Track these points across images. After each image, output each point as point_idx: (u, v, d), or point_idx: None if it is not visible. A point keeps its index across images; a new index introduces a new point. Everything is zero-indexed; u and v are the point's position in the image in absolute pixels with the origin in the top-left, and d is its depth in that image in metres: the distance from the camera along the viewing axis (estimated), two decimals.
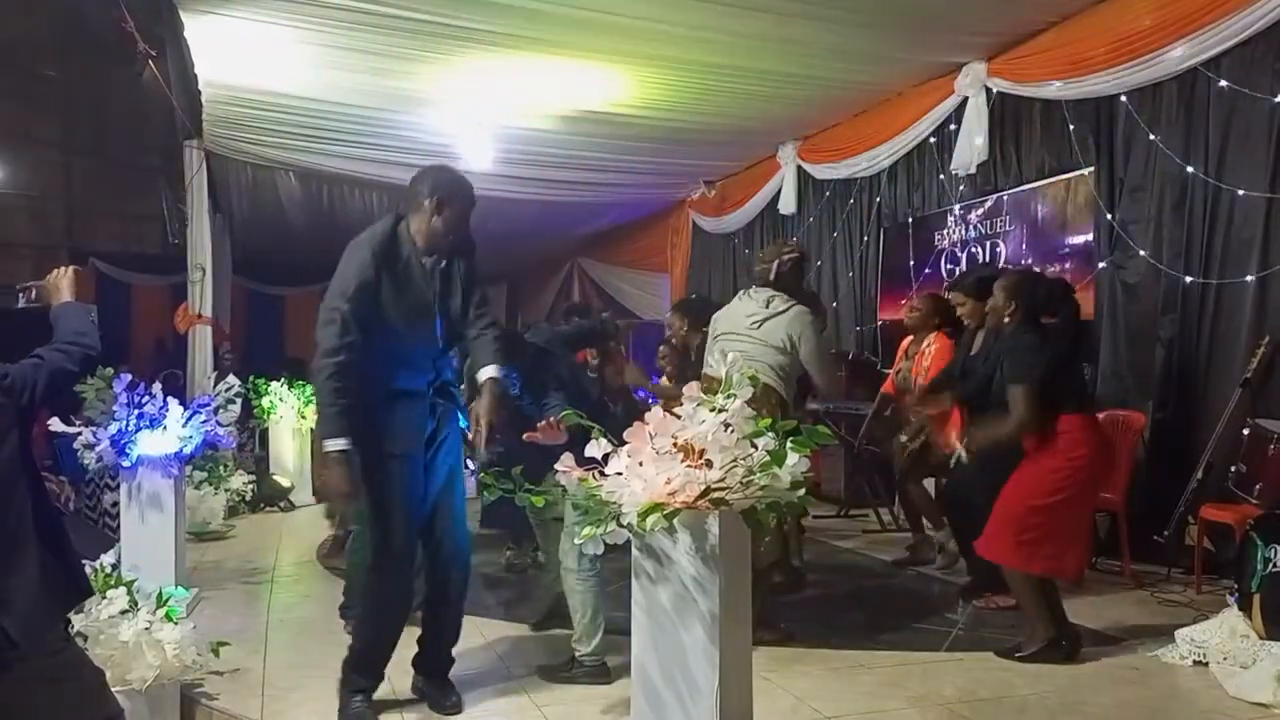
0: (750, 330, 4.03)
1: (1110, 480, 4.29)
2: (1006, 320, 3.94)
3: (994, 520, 3.77)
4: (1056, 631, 3.70)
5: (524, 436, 3.36)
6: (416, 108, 7.26)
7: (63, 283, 2.56)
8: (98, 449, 4.39)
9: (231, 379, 8.90)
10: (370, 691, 3.21)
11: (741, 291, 4.28)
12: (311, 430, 8.04)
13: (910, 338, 5.57)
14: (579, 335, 5.11)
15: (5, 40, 12.42)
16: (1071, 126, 5.76)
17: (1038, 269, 5.93)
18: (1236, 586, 3.71)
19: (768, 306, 4.05)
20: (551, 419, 3.25)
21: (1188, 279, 5.03)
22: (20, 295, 2.56)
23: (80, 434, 4.43)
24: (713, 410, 2.19)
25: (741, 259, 9.66)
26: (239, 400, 8.25)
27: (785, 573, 4.73)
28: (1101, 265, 5.59)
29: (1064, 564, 3.74)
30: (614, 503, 2.19)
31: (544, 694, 3.40)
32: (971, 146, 6.33)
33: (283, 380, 8.32)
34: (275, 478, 7.97)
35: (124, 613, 3.02)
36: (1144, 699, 3.32)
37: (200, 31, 5.95)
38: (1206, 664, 3.51)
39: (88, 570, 2.84)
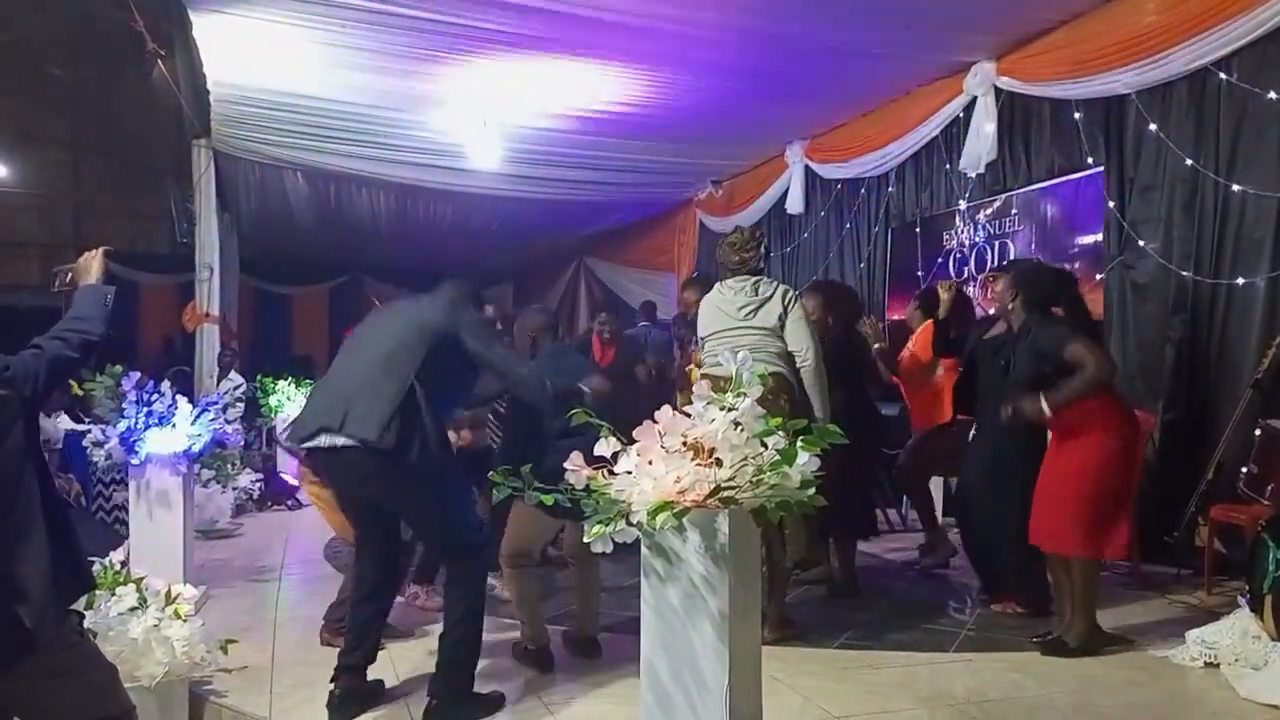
0: (746, 321, 3.96)
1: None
2: (1010, 309, 3.97)
3: (1051, 514, 3.75)
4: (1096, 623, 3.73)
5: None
6: (424, 107, 7.27)
7: (93, 265, 2.63)
8: (107, 446, 4.41)
9: (236, 377, 9.01)
10: None
11: (719, 284, 4.17)
12: None
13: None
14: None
15: (14, 39, 12.46)
16: (1081, 126, 5.74)
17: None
18: (1248, 588, 3.69)
19: (757, 293, 3.99)
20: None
21: (1198, 279, 5.01)
22: (57, 278, 2.68)
23: (89, 431, 4.44)
24: (722, 409, 2.18)
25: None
26: (244, 400, 8.34)
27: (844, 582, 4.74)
28: (1111, 265, 5.57)
29: (1117, 545, 3.80)
30: (623, 501, 2.19)
31: (554, 695, 3.38)
32: (980, 146, 6.30)
33: (289, 379, 8.34)
34: (283, 475, 7.98)
35: (133, 610, 3.03)
36: (1154, 700, 3.30)
37: (209, 31, 5.97)
38: (1218, 665, 3.49)
39: (96, 567, 2.85)
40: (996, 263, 6.55)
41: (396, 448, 3.02)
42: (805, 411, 3.77)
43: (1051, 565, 4.03)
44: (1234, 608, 3.70)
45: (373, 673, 3.37)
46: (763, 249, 4.17)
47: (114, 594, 3.07)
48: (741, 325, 3.97)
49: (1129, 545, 3.93)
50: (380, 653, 3.49)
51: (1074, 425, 3.73)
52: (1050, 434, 3.88)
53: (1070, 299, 3.94)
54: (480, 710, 3.21)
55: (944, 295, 5.19)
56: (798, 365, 3.97)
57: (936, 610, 4.50)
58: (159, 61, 7.31)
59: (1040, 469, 3.86)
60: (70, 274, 2.64)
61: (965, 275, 6.83)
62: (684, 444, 2.17)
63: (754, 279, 4.05)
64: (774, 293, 3.99)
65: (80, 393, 4.63)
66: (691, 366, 5.74)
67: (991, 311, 4.92)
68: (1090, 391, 3.65)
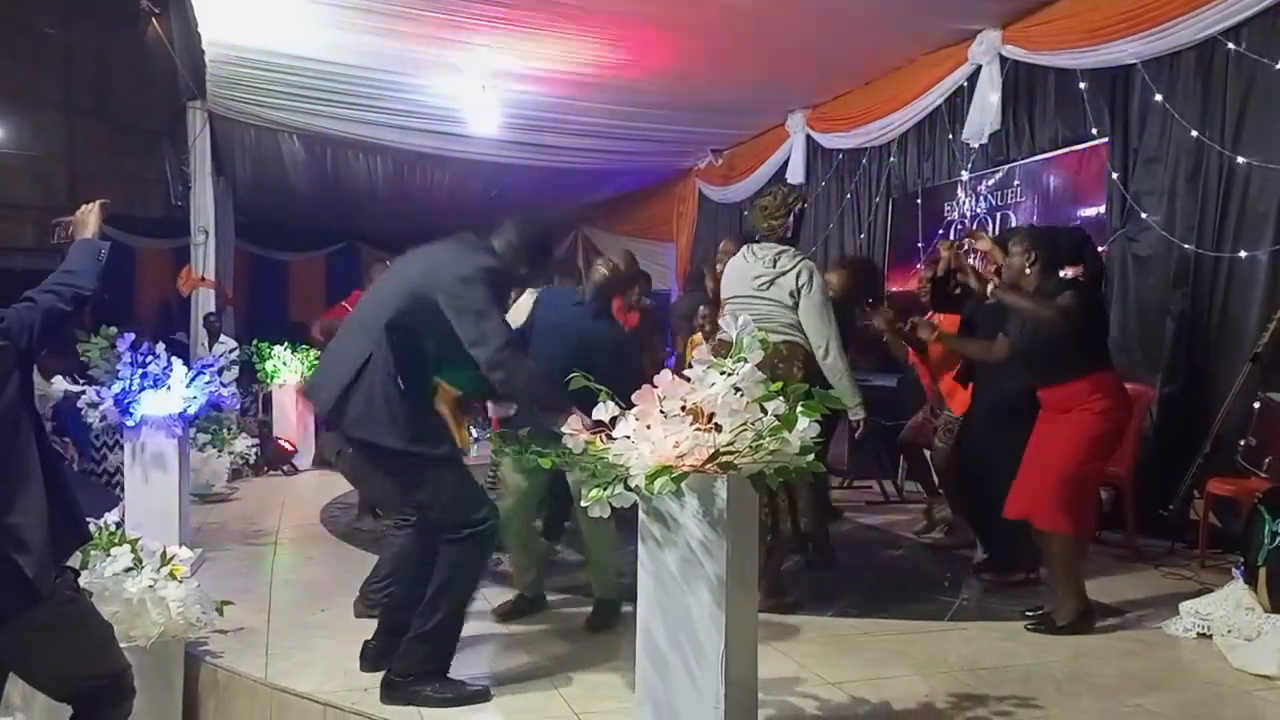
0: (759, 291, 3.94)
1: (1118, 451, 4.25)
2: (1028, 273, 3.77)
3: (1032, 486, 3.71)
4: (1086, 602, 3.71)
5: None
6: (423, 71, 7.18)
7: (89, 218, 2.64)
8: (101, 408, 4.39)
9: (228, 340, 8.96)
10: None
11: (745, 248, 4.13)
12: None
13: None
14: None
15: None
16: (1086, 96, 5.68)
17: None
18: (1243, 560, 3.69)
19: (775, 265, 3.95)
20: None
21: (1200, 252, 4.98)
22: (56, 230, 2.69)
23: (84, 393, 4.43)
24: (722, 373, 2.17)
25: (749, 229, 9.60)
26: (238, 363, 8.32)
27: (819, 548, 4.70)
28: (1113, 237, 5.53)
29: (1089, 523, 3.80)
30: (622, 465, 2.18)
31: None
32: (984, 116, 6.25)
33: (286, 345, 8.32)
34: (279, 441, 7.98)
35: (129, 570, 3.03)
36: (1148, 670, 3.32)
37: None
38: (1210, 637, 3.50)
39: (92, 527, 2.85)
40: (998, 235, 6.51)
41: (351, 421, 2.93)
42: (820, 380, 3.75)
43: (1038, 536, 4.02)
44: (1228, 580, 3.71)
45: None
46: (792, 216, 4.07)
47: (109, 554, 3.06)
48: (755, 295, 3.94)
49: (1092, 524, 3.94)
50: None
51: (1066, 401, 3.67)
52: (1042, 406, 3.83)
53: (1090, 256, 3.88)
54: (455, 692, 2.93)
55: (944, 253, 5.03)
56: (817, 359, 3.90)
57: (932, 581, 4.51)
58: (153, 20, 7.21)
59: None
60: (70, 226, 2.66)
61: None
62: (683, 408, 2.16)
63: (778, 249, 3.99)
64: (791, 268, 3.92)
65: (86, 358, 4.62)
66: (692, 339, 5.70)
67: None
68: (1033, 313, 3.62)
